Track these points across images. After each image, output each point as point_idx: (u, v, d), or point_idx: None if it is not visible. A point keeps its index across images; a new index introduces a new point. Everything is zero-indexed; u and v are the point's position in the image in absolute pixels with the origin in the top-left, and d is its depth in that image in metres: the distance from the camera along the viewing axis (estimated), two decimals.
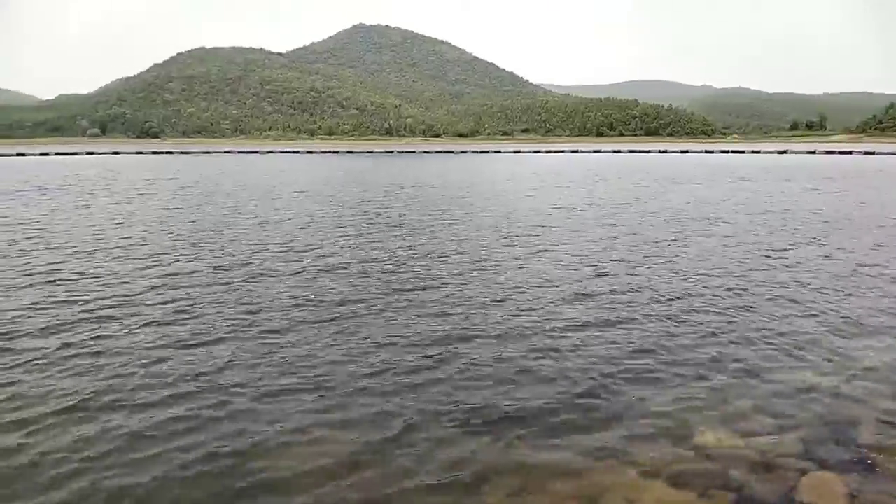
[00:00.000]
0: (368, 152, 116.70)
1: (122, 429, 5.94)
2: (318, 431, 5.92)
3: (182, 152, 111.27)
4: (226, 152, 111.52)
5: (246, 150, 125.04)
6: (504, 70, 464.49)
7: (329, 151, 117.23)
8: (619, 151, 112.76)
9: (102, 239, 16.93)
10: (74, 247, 15.68)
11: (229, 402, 6.51)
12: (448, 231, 18.63)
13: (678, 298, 10.78)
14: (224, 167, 59.77)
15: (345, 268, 13.29)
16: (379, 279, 12.18)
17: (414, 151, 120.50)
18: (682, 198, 29.01)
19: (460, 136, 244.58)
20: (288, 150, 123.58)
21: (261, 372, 7.34)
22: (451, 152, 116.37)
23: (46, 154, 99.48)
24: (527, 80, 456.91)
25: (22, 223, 20.18)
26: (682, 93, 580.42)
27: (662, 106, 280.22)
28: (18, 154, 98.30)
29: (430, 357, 7.88)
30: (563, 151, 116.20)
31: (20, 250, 15.19)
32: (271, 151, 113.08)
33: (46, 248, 15.44)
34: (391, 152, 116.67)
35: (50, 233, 18.05)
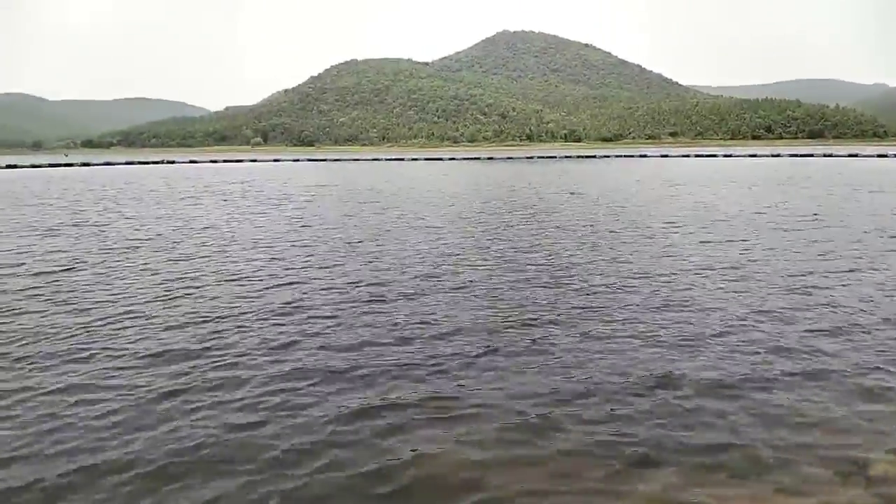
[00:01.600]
0: (508, 158, 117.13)
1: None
2: None
3: (335, 159, 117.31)
4: (373, 159, 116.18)
5: (392, 157, 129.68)
6: (651, 72, 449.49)
7: (470, 158, 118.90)
8: (777, 155, 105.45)
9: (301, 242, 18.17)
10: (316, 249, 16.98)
11: None
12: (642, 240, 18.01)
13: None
14: (382, 174, 61.93)
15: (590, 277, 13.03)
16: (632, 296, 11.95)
17: (555, 157, 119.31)
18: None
19: (603, 140, 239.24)
20: (431, 157, 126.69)
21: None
22: (594, 157, 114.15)
23: (215, 161, 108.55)
24: (676, 82, 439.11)
25: (210, 227, 22.07)
26: (849, 92, 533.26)
27: (827, 106, 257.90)
28: (191, 161, 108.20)
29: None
30: (714, 156, 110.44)
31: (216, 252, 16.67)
32: (415, 159, 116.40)
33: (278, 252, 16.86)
34: (531, 158, 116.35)
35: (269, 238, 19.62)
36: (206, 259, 14.87)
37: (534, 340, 8.53)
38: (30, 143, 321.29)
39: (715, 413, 6.27)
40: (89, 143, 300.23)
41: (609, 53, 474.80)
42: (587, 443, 5.70)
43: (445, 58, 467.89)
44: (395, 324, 9.32)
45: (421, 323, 9.34)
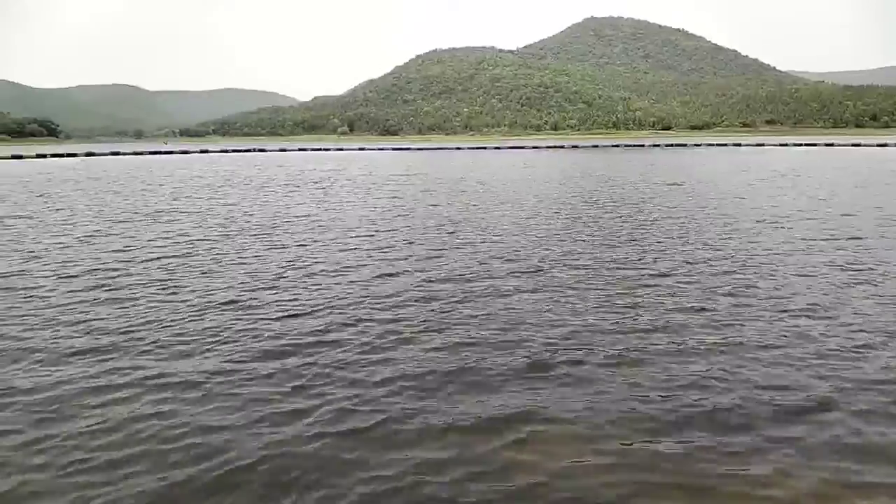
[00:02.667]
0: (593, 146, 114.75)
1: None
2: None
3: (418, 148, 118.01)
4: (456, 148, 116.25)
5: (475, 146, 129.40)
6: (747, 57, 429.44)
7: (554, 146, 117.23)
8: (884, 145, 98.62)
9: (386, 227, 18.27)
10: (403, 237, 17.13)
11: None
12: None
13: None
14: (466, 162, 61.84)
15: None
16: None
17: (642, 145, 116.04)
18: None
19: (694, 128, 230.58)
20: (514, 145, 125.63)
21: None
22: (684, 145, 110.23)
23: (304, 150, 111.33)
24: (773, 67, 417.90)
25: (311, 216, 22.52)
26: None
27: None
28: (281, 150, 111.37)
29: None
30: (814, 145, 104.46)
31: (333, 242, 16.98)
32: (498, 147, 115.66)
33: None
34: (617, 146, 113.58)
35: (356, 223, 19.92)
36: (309, 247, 14.84)
37: (651, 347, 7.72)
38: (132, 132, 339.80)
39: None
40: (187, 132, 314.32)
41: (702, 38, 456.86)
42: (725, 469, 5.07)
43: (530, 45, 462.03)
44: (496, 323, 8.72)
45: (523, 323, 8.68)
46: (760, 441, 5.44)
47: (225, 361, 7.25)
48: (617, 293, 10.32)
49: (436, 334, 8.23)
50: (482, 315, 9.06)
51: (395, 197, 27.02)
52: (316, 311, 9.33)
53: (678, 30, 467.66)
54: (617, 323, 8.69)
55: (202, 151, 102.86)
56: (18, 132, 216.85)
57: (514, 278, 11.40)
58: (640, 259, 13.04)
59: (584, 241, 15.30)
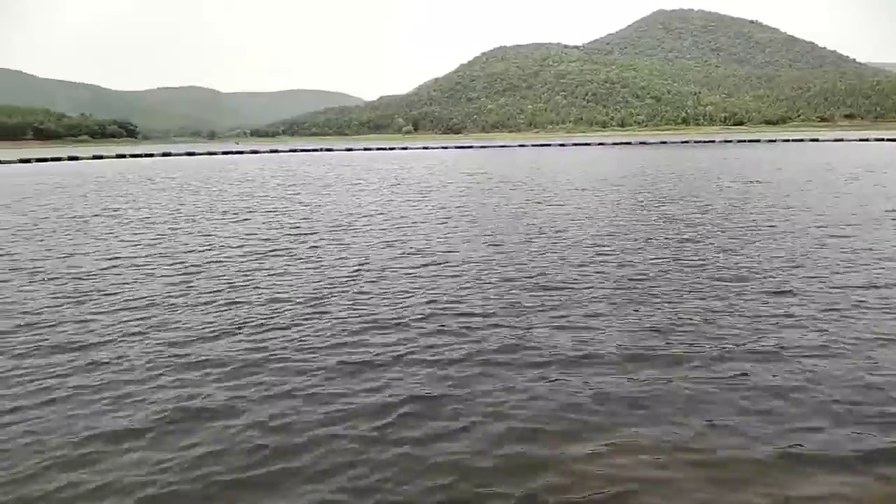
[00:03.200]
0: (661, 142, 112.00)
1: None
2: None
3: (482, 146, 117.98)
4: (520, 146, 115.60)
5: (538, 143, 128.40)
6: (825, 49, 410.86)
7: (621, 143, 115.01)
8: None
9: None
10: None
11: None
12: None
13: None
14: (530, 161, 61.26)
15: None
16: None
17: (713, 141, 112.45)
18: None
19: (767, 123, 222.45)
20: (579, 142, 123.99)
21: None
22: (758, 141, 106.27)
23: (369, 149, 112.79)
24: (853, 59, 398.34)
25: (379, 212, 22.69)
26: None
27: None
28: (347, 149, 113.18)
29: None
30: None
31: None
32: (563, 145, 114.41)
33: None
34: (686, 142, 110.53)
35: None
36: (386, 245, 14.62)
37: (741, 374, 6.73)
38: (206, 133, 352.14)
39: None
40: (257, 133, 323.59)
41: (777, 30, 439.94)
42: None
43: (596, 40, 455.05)
44: (576, 334, 8.03)
45: (600, 333, 7.97)
46: None
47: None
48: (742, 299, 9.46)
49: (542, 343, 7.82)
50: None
51: (460, 196, 26.49)
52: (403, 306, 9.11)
53: (751, 21, 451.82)
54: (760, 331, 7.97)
55: (272, 151, 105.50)
56: (100, 133, 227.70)
57: (624, 286, 10.43)
58: (761, 263, 11.85)
59: (689, 244, 13.98)
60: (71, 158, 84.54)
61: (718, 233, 15.45)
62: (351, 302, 9.66)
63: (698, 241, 14.28)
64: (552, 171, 41.86)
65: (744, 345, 7.45)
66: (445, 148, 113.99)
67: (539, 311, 9.00)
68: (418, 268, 12.08)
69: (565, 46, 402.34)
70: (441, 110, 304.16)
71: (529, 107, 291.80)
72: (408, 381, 6.52)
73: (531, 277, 11.14)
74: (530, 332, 8.07)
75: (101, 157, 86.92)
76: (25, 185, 38.71)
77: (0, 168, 63.57)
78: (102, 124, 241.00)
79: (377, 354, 7.31)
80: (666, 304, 9.25)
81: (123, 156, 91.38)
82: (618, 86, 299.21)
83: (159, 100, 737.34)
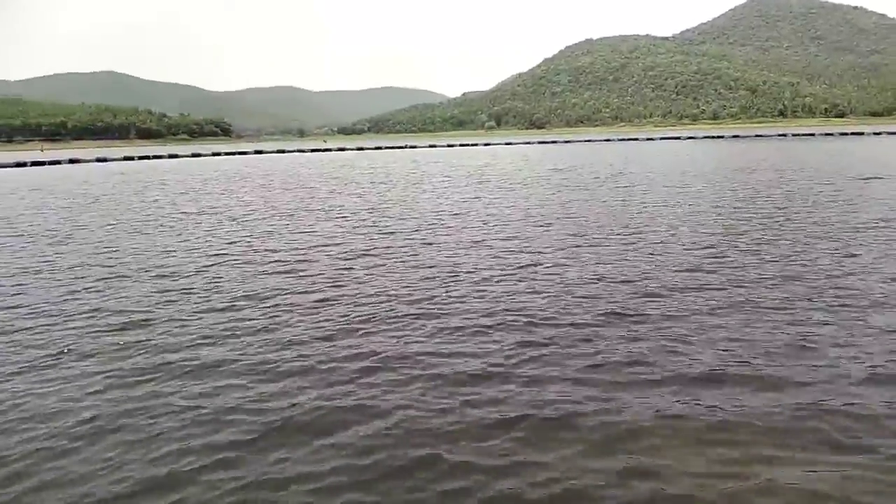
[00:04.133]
0: (756, 136, 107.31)
1: None
2: None
3: (565, 141, 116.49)
4: (606, 140, 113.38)
5: (625, 137, 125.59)
6: None
7: (712, 136, 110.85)
8: None
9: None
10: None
11: None
12: None
13: None
14: (617, 155, 59.91)
15: None
16: None
17: (812, 134, 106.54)
18: None
19: (873, 115, 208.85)
20: (668, 136, 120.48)
21: None
22: (861, 134, 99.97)
23: (451, 145, 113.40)
24: None
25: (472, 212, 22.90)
26: None
27: None
28: (430, 146, 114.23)
29: None
30: None
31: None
32: (650, 138, 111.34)
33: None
34: (783, 135, 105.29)
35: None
36: (476, 245, 14.19)
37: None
38: (295, 131, 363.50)
39: None
40: (344, 130, 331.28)
41: (884, 16, 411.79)
42: None
43: (687, 30, 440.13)
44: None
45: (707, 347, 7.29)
46: None
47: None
48: None
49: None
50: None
51: (557, 192, 25.82)
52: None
53: (855, 7, 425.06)
54: None
55: (358, 149, 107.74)
56: (198, 132, 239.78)
57: (691, 292, 9.67)
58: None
59: (809, 248, 12.71)
60: (171, 156, 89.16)
61: (838, 235, 13.97)
62: (451, 305, 9.40)
63: (816, 244, 13.02)
64: (643, 167, 40.42)
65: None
66: (528, 143, 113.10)
67: (648, 320, 8.38)
68: (514, 270, 11.59)
69: (654, 38, 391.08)
70: (524, 105, 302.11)
71: (616, 100, 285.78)
72: (522, 397, 6.19)
73: (636, 281, 10.43)
74: (639, 343, 7.47)
75: (199, 155, 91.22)
76: (130, 182, 41.06)
77: (110, 165, 67.97)
78: (200, 123, 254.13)
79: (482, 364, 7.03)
80: (792, 315, 8.33)
81: (218, 153, 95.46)
82: (710, 77, 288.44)
83: (252, 99, 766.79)
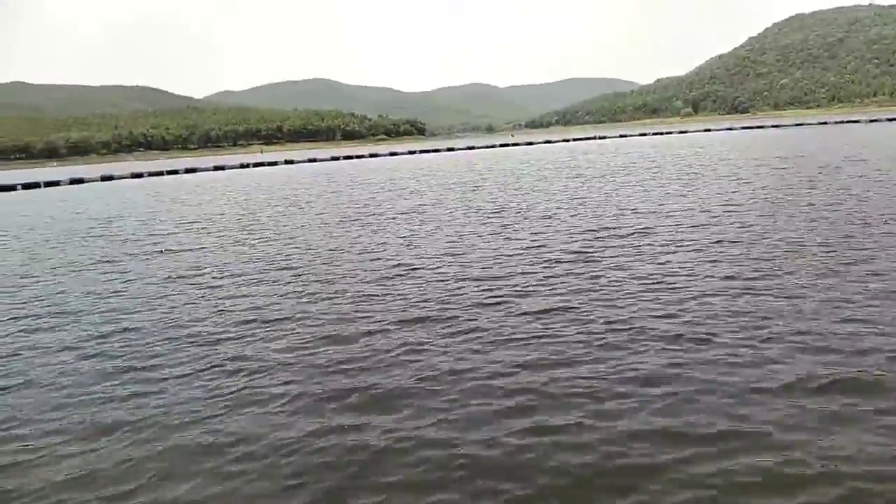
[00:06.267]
0: None
1: None
2: None
3: (773, 126, 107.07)
4: (821, 123, 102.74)
5: (845, 119, 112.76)
6: None
7: None
8: None
9: None
10: None
11: None
12: None
13: None
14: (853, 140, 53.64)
15: None
16: None
17: None
18: None
19: None
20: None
21: None
22: None
23: (644, 134, 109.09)
24: None
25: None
26: None
27: None
28: (620, 135, 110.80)
29: None
30: None
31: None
32: (874, 120, 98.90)
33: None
34: None
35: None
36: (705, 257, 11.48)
37: None
38: (484, 127, 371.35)
39: None
40: (532, 124, 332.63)
41: None
42: None
43: None
44: None
45: None
46: None
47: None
48: None
49: None
50: None
51: (785, 186, 21.43)
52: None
53: None
54: None
55: (545, 142, 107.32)
56: (394, 132, 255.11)
57: None
58: None
59: None
60: (372, 155, 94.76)
61: None
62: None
63: None
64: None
65: None
66: (730, 129, 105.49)
67: None
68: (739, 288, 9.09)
69: (879, 7, 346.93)
70: (725, 89, 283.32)
71: (832, 79, 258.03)
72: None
73: None
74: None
75: (395, 154, 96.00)
76: (339, 181, 44.20)
77: (317, 165, 74.07)
78: (396, 123, 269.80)
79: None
80: None
81: (413, 152, 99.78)
82: None
83: (444, 98, 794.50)
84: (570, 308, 8.57)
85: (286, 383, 6.50)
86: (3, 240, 21.05)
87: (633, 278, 10.02)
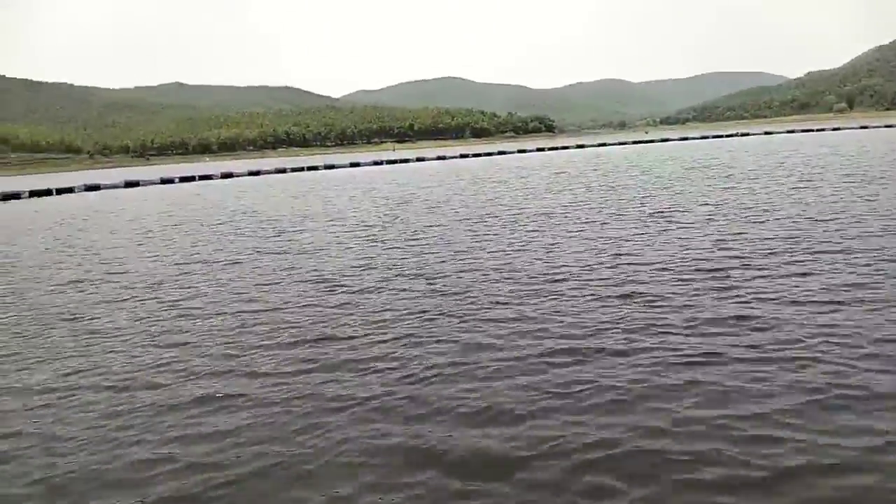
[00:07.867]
0: None
1: None
2: None
3: None
4: None
5: None
6: None
7: None
8: None
9: None
10: None
11: None
12: None
13: None
14: None
15: None
16: None
17: None
18: None
19: None
20: None
21: None
22: None
23: (792, 132, 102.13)
24: None
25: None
26: None
27: None
28: (765, 132, 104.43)
29: None
30: None
31: None
32: None
33: None
34: None
35: None
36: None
37: None
38: (616, 124, 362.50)
39: None
40: (667, 120, 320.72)
41: None
42: None
43: None
44: None
45: None
46: None
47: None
48: None
49: None
50: None
51: None
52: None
53: None
54: None
55: (682, 139, 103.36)
56: (523, 129, 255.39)
57: None
58: None
59: None
60: (500, 153, 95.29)
61: None
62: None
63: None
64: None
65: None
66: (890, 126, 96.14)
67: None
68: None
69: None
70: (885, 83, 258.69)
71: None
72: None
73: None
74: None
75: (524, 151, 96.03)
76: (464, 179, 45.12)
77: (447, 162, 75.79)
78: (525, 121, 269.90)
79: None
80: None
81: (542, 149, 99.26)
82: None
83: (575, 94, 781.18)
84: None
85: None
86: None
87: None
